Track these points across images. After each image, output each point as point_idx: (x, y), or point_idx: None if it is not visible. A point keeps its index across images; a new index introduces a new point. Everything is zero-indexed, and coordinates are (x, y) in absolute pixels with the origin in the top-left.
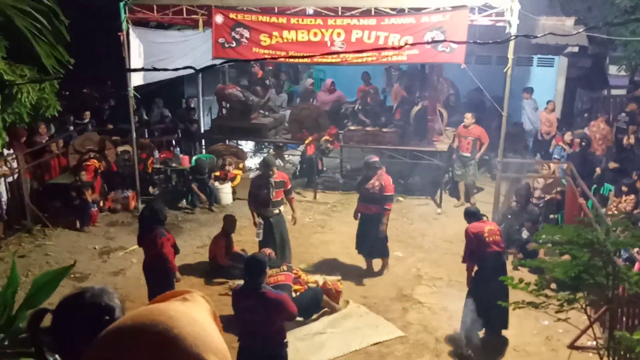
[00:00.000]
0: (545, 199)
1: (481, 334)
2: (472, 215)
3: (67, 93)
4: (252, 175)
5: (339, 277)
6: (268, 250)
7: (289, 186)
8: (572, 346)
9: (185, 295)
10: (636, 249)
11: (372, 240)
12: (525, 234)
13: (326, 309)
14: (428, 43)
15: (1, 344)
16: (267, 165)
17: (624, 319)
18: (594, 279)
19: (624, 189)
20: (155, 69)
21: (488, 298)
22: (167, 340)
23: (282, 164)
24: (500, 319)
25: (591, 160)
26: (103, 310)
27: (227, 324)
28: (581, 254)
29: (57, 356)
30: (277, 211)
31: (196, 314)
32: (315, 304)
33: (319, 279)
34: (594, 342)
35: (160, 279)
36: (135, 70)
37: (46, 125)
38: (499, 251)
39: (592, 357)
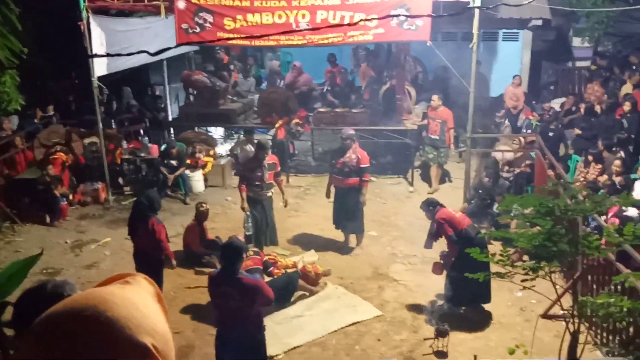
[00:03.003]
0: (515, 172)
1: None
2: (434, 204)
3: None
4: (223, 161)
5: (316, 258)
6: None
7: (279, 168)
8: (545, 316)
9: (127, 279)
10: (603, 217)
11: (349, 213)
12: (496, 208)
13: (303, 292)
14: (388, 17)
15: None
16: (262, 148)
17: (593, 285)
18: (556, 246)
19: (590, 158)
20: (109, 55)
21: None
22: (99, 323)
23: (252, 149)
24: (482, 293)
25: (558, 133)
26: None
27: (204, 312)
28: (543, 222)
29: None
30: (269, 194)
31: (134, 296)
32: (291, 290)
33: (297, 261)
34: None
35: (152, 267)
36: (94, 56)
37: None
38: (473, 224)
39: (564, 325)
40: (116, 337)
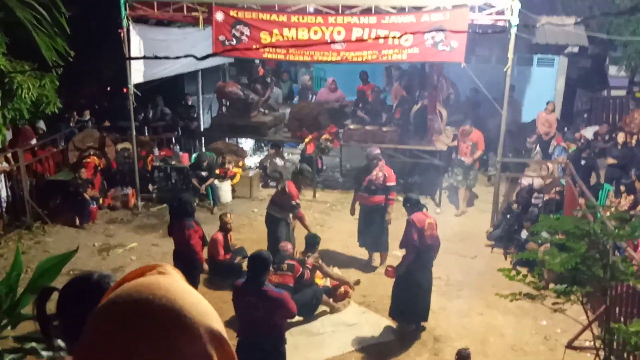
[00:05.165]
0: (544, 199)
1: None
2: (415, 204)
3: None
4: (251, 173)
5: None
6: (289, 245)
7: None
8: (569, 346)
9: (158, 269)
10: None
11: (374, 231)
12: (524, 234)
13: (325, 308)
14: (426, 32)
15: (4, 329)
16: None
17: (621, 318)
18: (590, 270)
19: (622, 189)
20: (156, 57)
21: (414, 289)
22: (175, 313)
23: (281, 163)
24: (423, 311)
25: (589, 163)
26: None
27: (225, 319)
28: (578, 245)
29: (59, 341)
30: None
31: (184, 285)
32: (315, 304)
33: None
34: (592, 342)
35: (188, 269)
36: (135, 58)
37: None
38: (431, 244)
39: (590, 357)
40: (193, 325)
